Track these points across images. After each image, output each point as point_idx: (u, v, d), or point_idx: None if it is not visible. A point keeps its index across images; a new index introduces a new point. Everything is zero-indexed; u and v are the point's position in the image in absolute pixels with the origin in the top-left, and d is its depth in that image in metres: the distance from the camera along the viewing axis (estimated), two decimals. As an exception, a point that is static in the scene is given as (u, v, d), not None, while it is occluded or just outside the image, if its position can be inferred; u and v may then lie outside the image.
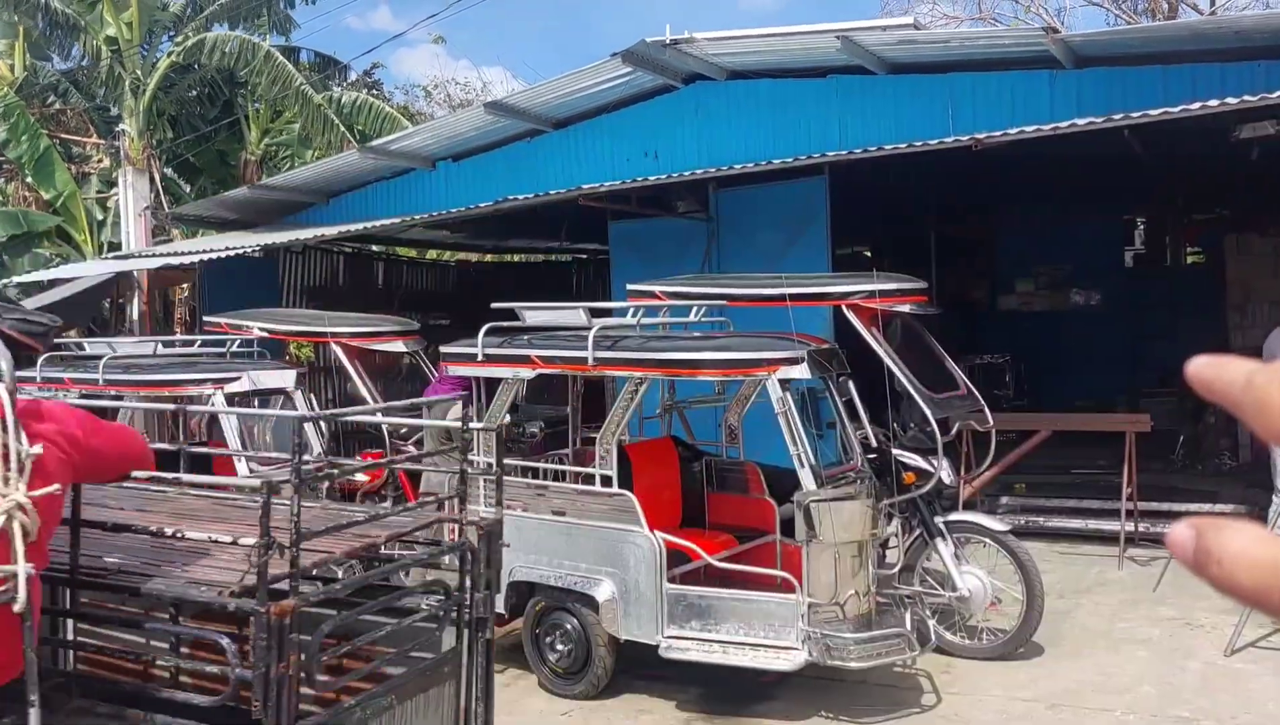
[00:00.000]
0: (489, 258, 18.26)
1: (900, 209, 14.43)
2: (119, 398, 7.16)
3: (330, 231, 9.98)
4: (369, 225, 9.77)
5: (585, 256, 16.40)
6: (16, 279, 12.44)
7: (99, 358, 7.38)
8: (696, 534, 5.80)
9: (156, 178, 14.15)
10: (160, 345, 7.96)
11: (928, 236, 14.90)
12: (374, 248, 15.33)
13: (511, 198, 8.72)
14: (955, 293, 16.00)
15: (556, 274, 16.99)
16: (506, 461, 6.01)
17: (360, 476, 7.69)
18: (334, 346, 7.57)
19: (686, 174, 8.37)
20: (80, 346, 7.87)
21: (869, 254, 17.51)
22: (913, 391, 5.64)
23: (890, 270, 8.95)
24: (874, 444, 5.83)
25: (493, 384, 5.95)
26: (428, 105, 26.17)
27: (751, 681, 5.47)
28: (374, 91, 20.69)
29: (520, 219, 12.50)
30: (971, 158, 8.14)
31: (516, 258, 18.35)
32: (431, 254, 17.89)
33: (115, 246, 13.52)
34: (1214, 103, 6.65)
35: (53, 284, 12.18)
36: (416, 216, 9.84)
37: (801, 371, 5.12)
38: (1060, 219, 14.66)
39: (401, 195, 11.03)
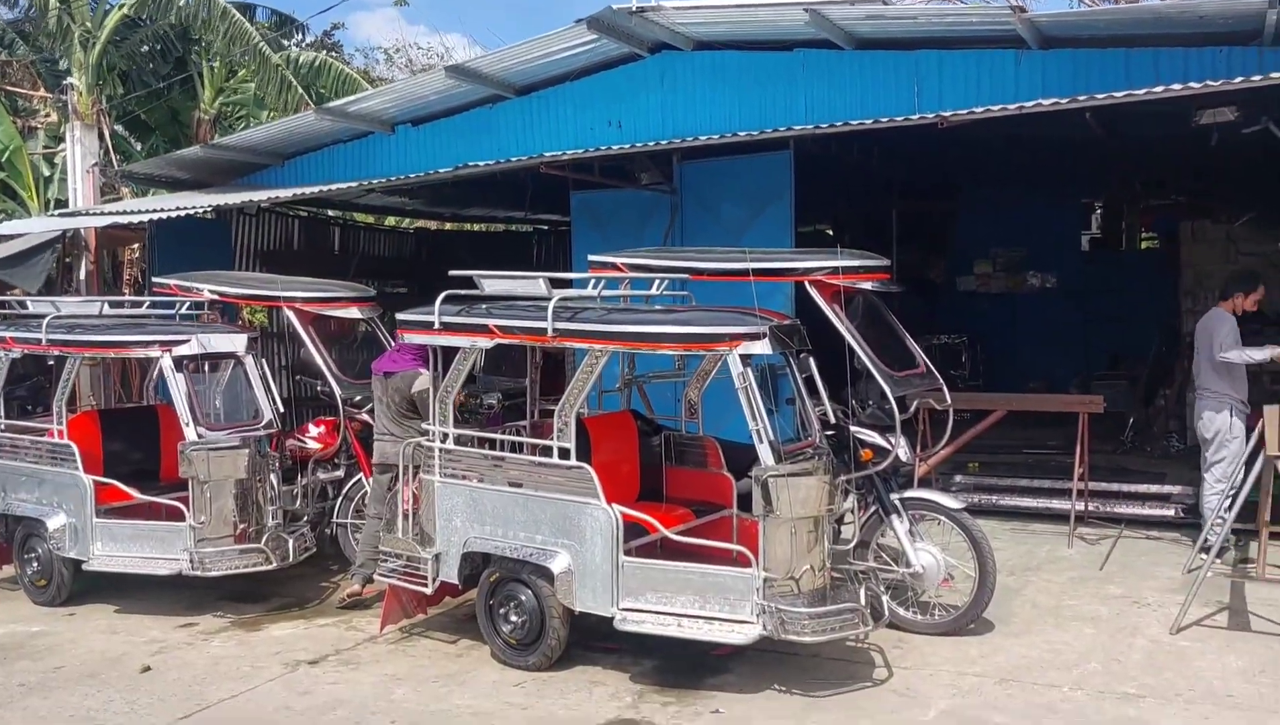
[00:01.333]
0: (449, 226, 18.01)
1: (862, 187, 14.44)
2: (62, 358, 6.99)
3: (284, 194, 9.73)
4: (324, 188, 9.54)
5: (546, 227, 16.23)
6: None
7: (42, 317, 7.17)
8: (654, 507, 5.77)
9: (106, 134, 13.71)
10: (107, 305, 7.75)
11: (889, 216, 14.96)
12: (330, 212, 15.03)
13: (471, 164, 8.56)
14: (914, 272, 16.09)
15: (517, 244, 16.81)
16: (464, 432, 5.97)
17: (312, 444, 7.58)
18: (287, 311, 7.40)
19: (650, 144, 8.27)
20: (23, 305, 7.62)
21: (830, 232, 17.55)
22: (872, 369, 5.63)
23: (852, 248, 8.98)
24: (832, 421, 5.83)
25: (450, 353, 5.85)
26: (388, 70, 25.68)
27: (706, 655, 5.47)
28: (333, 53, 20.25)
29: (480, 187, 12.32)
30: (934, 136, 8.12)
31: (477, 227, 18.11)
32: (390, 221, 17.61)
33: (62, 203, 13.13)
34: (1175, 86, 6.69)
35: (2, 240, 11.80)
36: (373, 181, 9.63)
37: (763, 347, 5.09)
38: (1020, 201, 14.76)
39: (359, 159, 10.79)
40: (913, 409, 5.98)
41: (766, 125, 8.70)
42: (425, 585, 5.79)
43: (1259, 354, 7.06)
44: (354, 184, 9.58)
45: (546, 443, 5.48)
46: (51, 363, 7.76)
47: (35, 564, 6.94)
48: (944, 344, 15.15)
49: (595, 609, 5.26)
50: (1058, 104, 6.58)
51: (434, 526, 5.79)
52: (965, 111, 6.95)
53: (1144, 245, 16.69)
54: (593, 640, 5.67)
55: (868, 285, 5.97)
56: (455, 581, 5.74)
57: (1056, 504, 8.35)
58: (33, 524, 6.91)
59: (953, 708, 4.87)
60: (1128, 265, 15.32)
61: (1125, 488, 8.75)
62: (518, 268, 6.55)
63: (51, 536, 6.74)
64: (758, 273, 5.60)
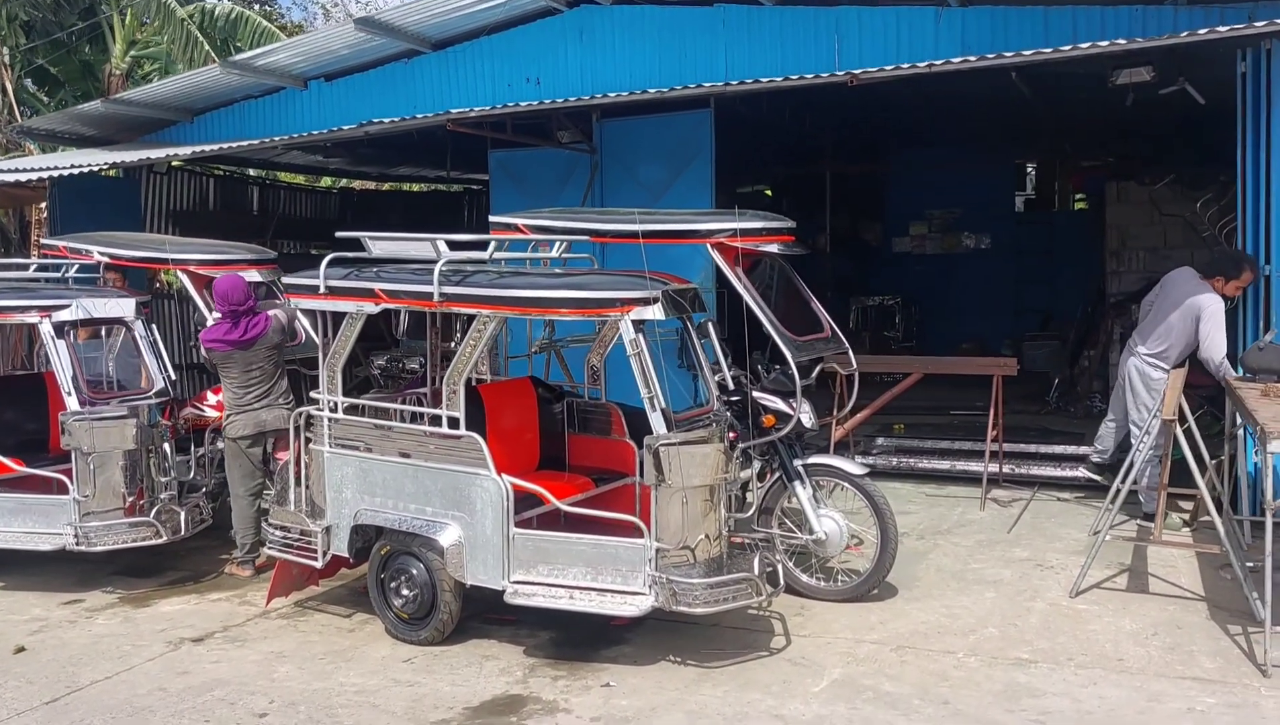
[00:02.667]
0: (384, 187, 17.60)
1: (798, 149, 14.30)
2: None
3: (185, 151, 9.35)
4: (228, 145, 9.18)
5: (479, 187, 15.91)
6: None
7: (-85, 281, 6.79)
8: (555, 477, 5.63)
9: (10, 88, 13.13)
10: (-10, 269, 7.39)
11: (824, 177, 14.85)
12: (251, 172, 14.59)
13: (378, 121, 8.25)
14: (849, 234, 16.06)
15: (448, 204, 16.47)
16: (355, 401, 5.76)
17: (210, 412, 7.32)
18: (180, 275, 7.10)
19: (561, 101, 8.06)
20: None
21: (769, 193, 17.42)
22: (773, 333, 5.52)
23: (789, 210, 8.86)
24: (733, 387, 5.71)
25: (339, 318, 5.63)
26: (327, 26, 24.95)
27: (603, 626, 5.36)
28: (262, 5, 19.56)
29: (402, 146, 11.97)
30: (864, 96, 7.97)
31: (416, 187, 17.72)
32: (327, 181, 17.12)
33: (-40, 161, 12.53)
34: (1092, 45, 6.60)
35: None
36: (276, 138, 9.27)
37: (655, 312, 4.93)
38: (954, 162, 14.72)
39: (271, 115, 10.41)
40: (815, 373, 5.87)
41: (687, 83, 8.50)
42: (316, 559, 5.60)
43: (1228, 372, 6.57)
44: (257, 141, 9.22)
45: (435, 412, 5.30)
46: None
47: (-89, 541, 6.62)
48: (878, 306, 15.19)
49: (486, 582, 5.11)
50: (967, 61, 6.47)
51: (324, 498, 5.59)
52: (876, 70, 6.82)
53: (1077, 206, 16.76)
54: (490, 613, 5.55)
55: (772, 247, 5.84)
56: (346, 555, 5.57)
57: (973, 466, 8.35)
58: (-93, 498, 6.58)
59: (845, 676, 4.82)
60: (1059, 226, 15.39)
61: (1041, 449, 8.77)
62: (449, 229, 6.35)
63: (-73, 512, 6.43)
64: (655, 235, 5.42)
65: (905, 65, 6.81)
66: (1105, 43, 6.36)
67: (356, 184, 16.98)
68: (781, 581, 5.33)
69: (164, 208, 11.89)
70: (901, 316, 15.19)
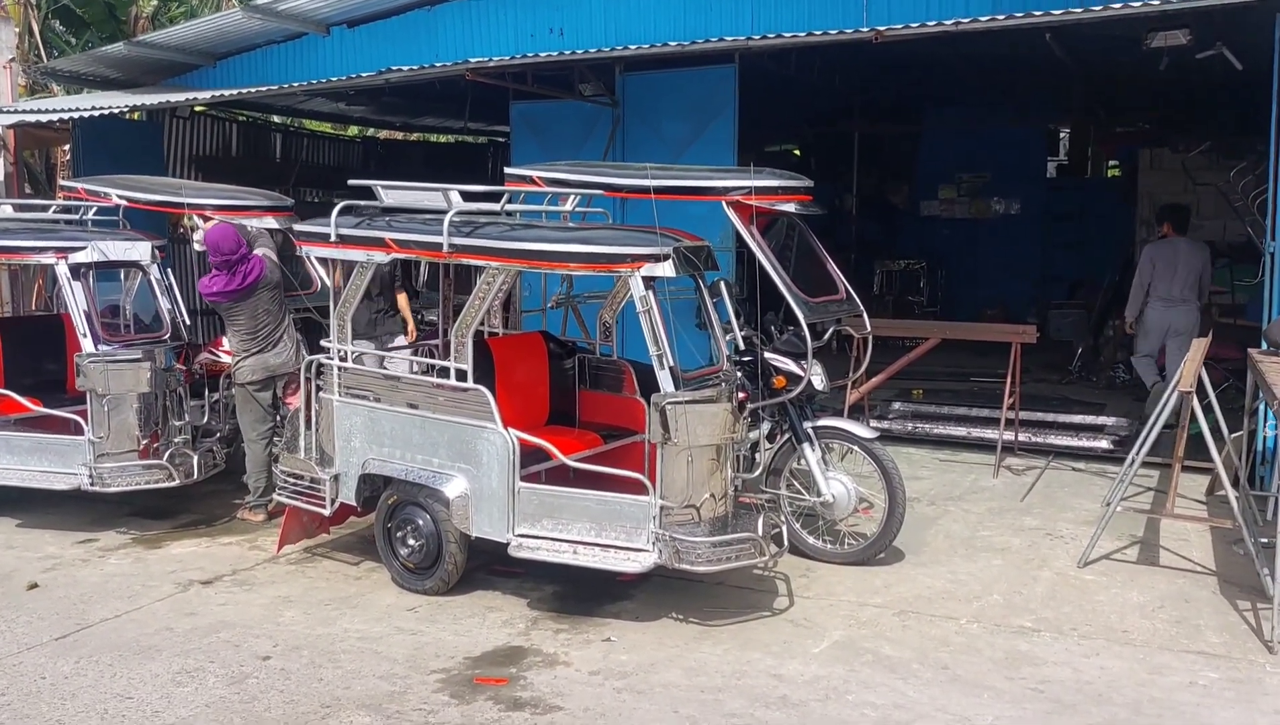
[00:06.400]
0: (409, 136, 17.49)
1: (827, 108, 14.08)
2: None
3: (206, 95, 9.32)
4: (249, 90, 9.13)
5: (503, 139, 15.79)
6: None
7: (-66, 219, 6.84)
8: (564, 432, 5.62)
9: (36, 29, 13.12)
10: (10, 208, 7.42)
11: (852, 137, 14.63)
12: (275, 119, 14.55)
13: (396, 69, 8.17)
14: (876, 196, 15.85)
15: (472, 156, 16.38)
16: (365, 352, 5.77)
17: (225, 358, 7.35)
18: (197, 220, 7.09)
19: (582, 53, 7.95)
20: (-82, 206, 7.27)
21: (798, 153, 17.19)
22: (786, 294, 5.44)
23: (817, 171, 8.71)
24: (743, 347, 5.66)
25: (350, 267, 5.62)
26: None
27: (607, 582, 5.38)
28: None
29: (426, 96, 11.88)
30: (893, 55, 7.84)
31: (441, 138, 17.61)
32: (353, 131, 17.04)
33: (-18, 101, 12.57)
34: (1125, 5, 6.41)
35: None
36: (297, 84, 9.21)
37: (666, 269, 4.87)
38: (986, 125, 14.46)
39: (293, 61, 10.34)
40: (828, 336, 5.81)
41: (712, 37, 8.35)
42: (324, 507, 5.64)
43: None
44: (278, 87, 9.17)
45: (444, 363, 5.29)
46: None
47: (-70, 476, 6.73)
48: (902, 270, 15.02)
49: (491, 534, 5.13)
50: (995, 20, 6.31)
51: (333, 447, 5.62)
52: (901, 27, 6.64)
53: (1110, 173, 16.44)
54: (496, 564, 5.58)
55: (789, 207, 5.75)
56: (354, 503, 5.60)
57: (988, 434, 8.27)
58: (-74, 434, 6.68)
59: (846, 639, 4.81)
60: (1091, 192, 15.12)
61: (1058, 418, 8.69)
62: (471, 180, 6.29)
63: (-55, 448, 6.52)
64: (669, 191, 5.35)
65: (932, 23, 6.63)
66: (1139, 3, 6.16)
67: (382, 134, 16.89)
68: (786, 542, 5.32)
69: (187, 153, 11.89)
70: (926, 281, 15.03)
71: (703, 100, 8.76)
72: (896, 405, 9.24)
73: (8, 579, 5.62)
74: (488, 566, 5.60)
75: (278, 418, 6.60)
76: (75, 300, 6.34)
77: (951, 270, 15.21)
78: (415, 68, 8.17)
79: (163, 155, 11.42)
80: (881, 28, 6.63)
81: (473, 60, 7.96)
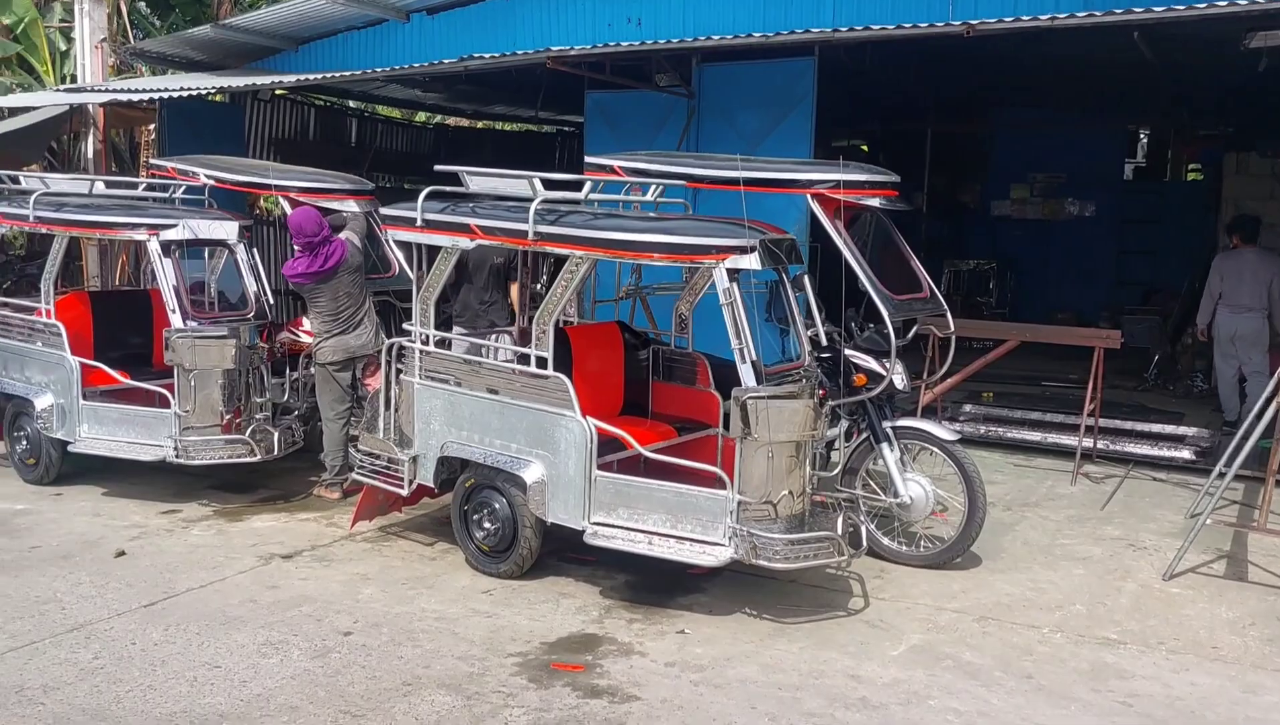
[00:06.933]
0: (478, 124, 17.59)
1: (900, 104, 13.87)
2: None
3: (289, 79, 9.46)
4: (330, 75, 9.24)
5: (571, 128, 15.83)
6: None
7: (31, 192, 7.03)
8: (637, 422, 5.62)
9: (124, 10, 13.42)
10: (101, 185, 7.60)
11: (925, 134, 14.40)
12: (351, 104, 14.73)
13: (476, 56, 8.20)
14: (946, 194, 15.60)
15: (540, 144, 16.43)
16: (444, 336, 5.82)
17: (306, 337, 7.47)
18: (281, 201, 7.21)
19: (662, 43, 7.89)
20: (15, 180, 7.48)
21: (866, 148, 16.99)
22: (871, 291, 5.37)
23: (885, 168, 8.55)
24: (826, 343, 5.60)
25: (435, 252, 5.66)
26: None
27: (679, 574, 5.37)
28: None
29: (499, 84, 11.94)
30: (972, 52, 7.65)
31: (508, 126, 17.69)
32: (421, 117, 17.21)
33: (75, 79, 12.90)
34: (1230, 3, 6.20)
35: (13, 113, 11.66)
36: (378, 70, 9.31)
37: (751, 262, 4.84)
38: (1062, 124, 14.15)
39: (373, 47, 10.46)
40: (912, 334, 5.73)
41: (792, 29, 8.27)
42: (402, 487, 5.71)
43: None
44: (359, 72, 9.27)
45: (524, 350, 5.31)
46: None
47: (24, 442, 6.95)
48: (972, 270, 14.79)
49: (566, 521, 5.15)
50: (1092, 16, 6.15)
51: (412, 428, 5.68)
52: (995, 21, 6.50)
53: (1190, 176, 16.00)
54: (569, 551, 5.60)
55: (875, 202, 5.68)
56: (431, 485, 5.66)
57: (1064, 439, 8.11)
58: (22, 403, 6.89)
59: (924, 643, 4.75)
60: (1170, 196, 14.73)
61: (1138, 426, 8.48)
62: (541, 169, 6.31)
63: (39, 416, 6.73)
64: (754, 183, 5.30)
65: (1026, 17, 6.48)
66: (1245, 1, 5.96)
67: (451, 120, 17.02)
68: (864, 543, 5.26)
69: (266, 135, 12.10)
70: (995, 282, 14.78)
71: (779, 93, 8.66)
72: (967, 407, 9.10)
73: (95, 546, 5.78)
74: (559, 553, 5.62)
75: (355, 398, 6.69)
76: (166, 276, 6.48)
77: (1021, 272, 14.93)
78: (497, 55, 8.20)
79: (243, 137, 11.63)
80: (974, 21, 6.50)
81: (554, 49, 7.97)
